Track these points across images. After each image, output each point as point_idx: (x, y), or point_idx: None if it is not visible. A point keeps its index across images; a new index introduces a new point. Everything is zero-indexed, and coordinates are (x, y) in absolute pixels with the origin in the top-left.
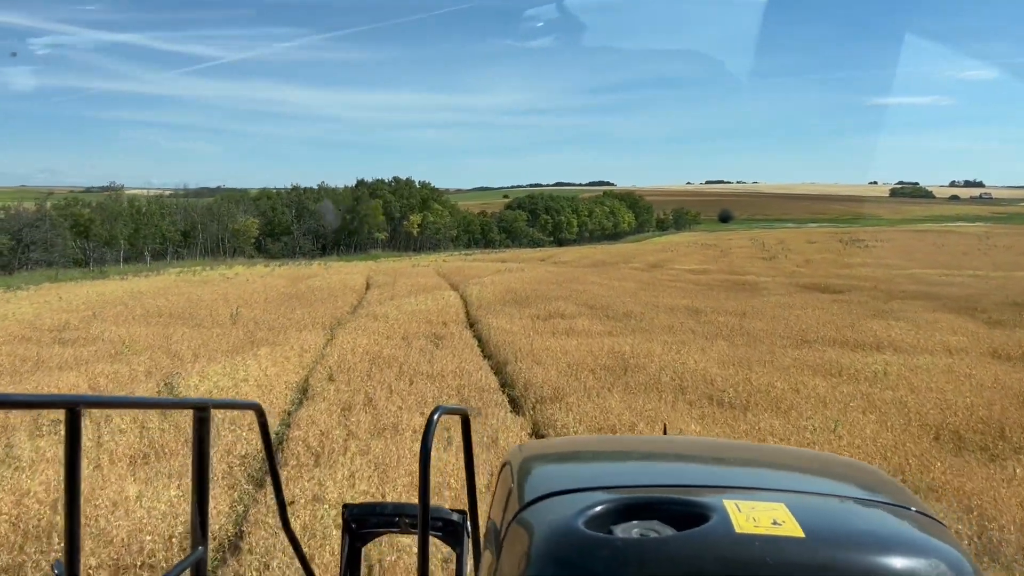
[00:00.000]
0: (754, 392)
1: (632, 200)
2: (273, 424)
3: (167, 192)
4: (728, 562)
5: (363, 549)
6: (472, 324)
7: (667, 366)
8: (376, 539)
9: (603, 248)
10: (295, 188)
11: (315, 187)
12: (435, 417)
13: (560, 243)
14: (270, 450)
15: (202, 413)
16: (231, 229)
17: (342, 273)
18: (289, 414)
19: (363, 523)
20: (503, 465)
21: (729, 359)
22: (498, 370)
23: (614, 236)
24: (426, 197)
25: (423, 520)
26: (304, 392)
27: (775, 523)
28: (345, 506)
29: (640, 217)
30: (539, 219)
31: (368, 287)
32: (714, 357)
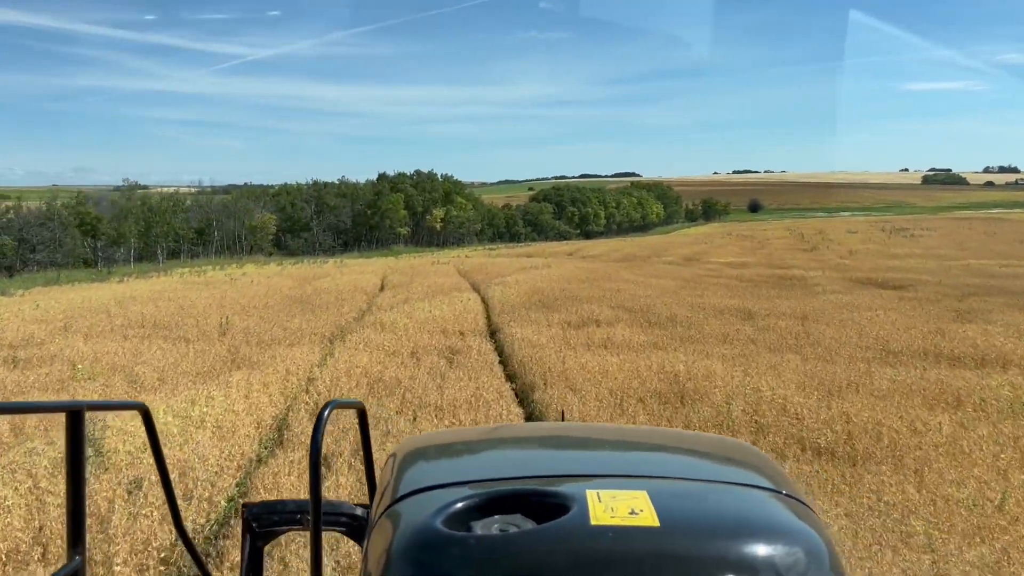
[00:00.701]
0: (858, 434)
1: (660, 191)
2: (225, 487)
3: (192, 189)
4: (580, 555)
5: (265, 548)
6: (493, 334)
7: (735, 392)
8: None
9: (632, 240)
10: (315, 183)
11: (336, 181)
12: (326, 412)
13: (587, 236)
14: (157, 449)
15: (76, 416)
16: (248, 226)
17: (355, 272)
18: (248, 474)
19: (264, 522)
20: (388, 458)
21: (808, 381)
22: (524, 398)
23: (642, 228)
24: (449, 190)
25: (315, 516)
26: (278, 437)
27: (632, 512)
28: (244, 505)
29: (668, 208)
30: (565, 211)
31: (382, 288)
32: (790, 378)
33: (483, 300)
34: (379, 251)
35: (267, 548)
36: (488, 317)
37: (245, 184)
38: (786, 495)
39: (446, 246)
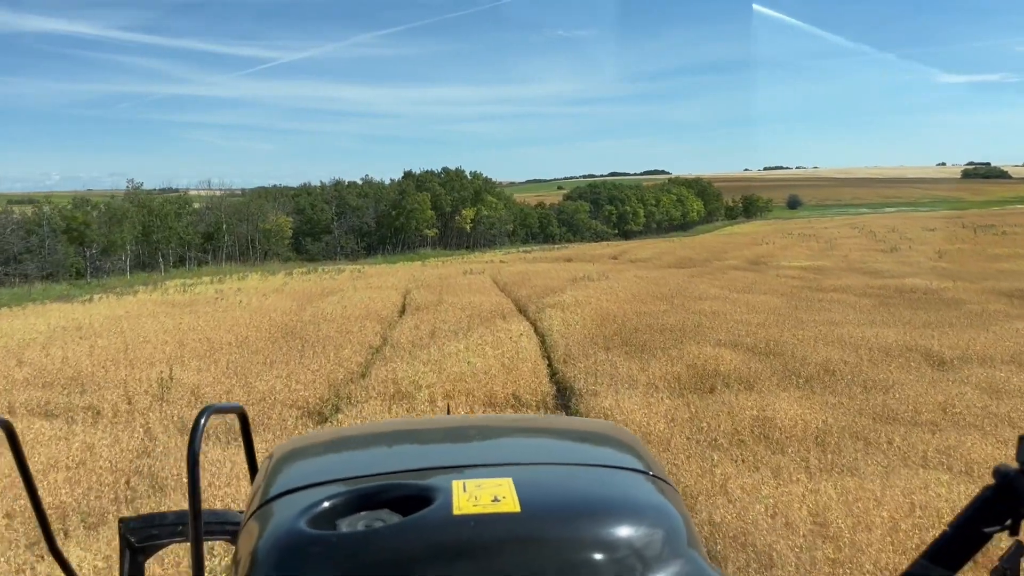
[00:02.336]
0: None
1: (700, 187)
2: None
3: (218, 192)
4: (441, 546)
5: (146, 563)
6: (567, 403)
7: None
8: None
9: (680, 241)
10: (337, 183)
11: (359, 181)
12: (202, 420)
13: (626, 236)
14: (23, 465)
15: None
16: (261, 229)
17: (373, 287)
18: None
19: (143, 536)
20: (265, 460)
21: None
22: None
23: (683, 227)
24: (479, 189)
25: (195, 527)
26: None
27: (495, 500)
28: (121, 520)
29: (709, 206)
30: (602, 210)
31: (403, 311)
32: None
33: (538, 333)
34: (405, 255)
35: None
36: (550, 365)
37: (274, 186)
38: (652, 475)
39: (476, 248)
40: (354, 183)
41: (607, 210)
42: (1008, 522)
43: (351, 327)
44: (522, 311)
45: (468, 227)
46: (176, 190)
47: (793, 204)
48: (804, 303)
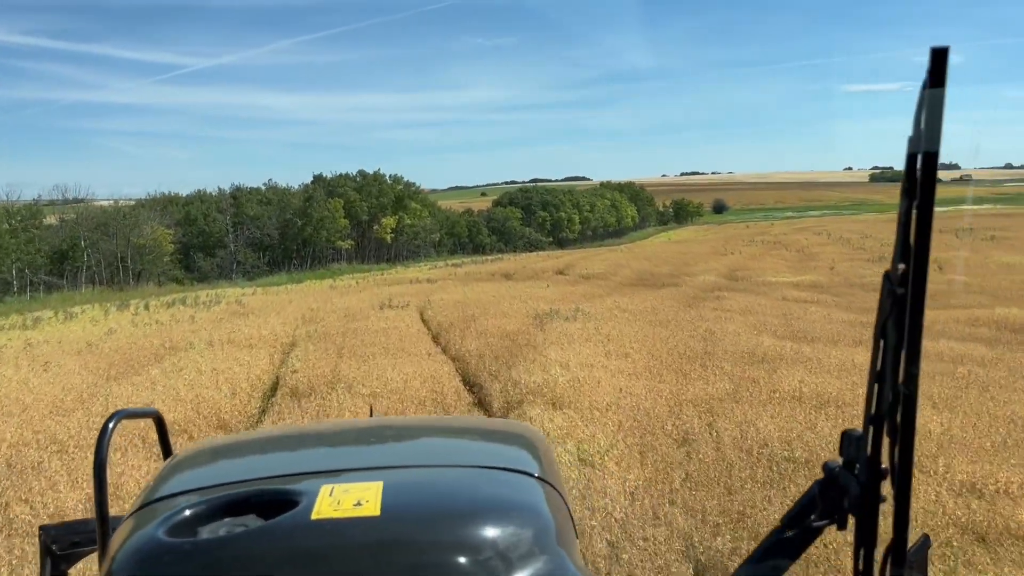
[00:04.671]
0: None
1: (632, 191)
2: None
3: (130, 202)
4: (296, 551)
5: (69, 572)
6: None
7: None
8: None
9: (627, 250)
10: (237, 188)
11: (261, 186)
12: (111, 424)
13: (560, 243)
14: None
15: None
16: (135, 245)
17: (240, 339)
18: None
19: (64, 543)
20: (167, 461)
21: None
22: None
23: (616, 233)
24: (400, 195)
25: (102, 534)
26: None
27: (357, 504)
28: (41, 528)
29: (641, 211)
30: (535, 216)
31: (273, 390)
32: None
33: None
34: (314, 271)
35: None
36: None
37: (162, 194)
38: (536, 477)
39: (398, 260)
40: (256, 189)
41: (540, 216)
42: (836, 516)
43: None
44: (475, 386)
45: (388, 237)
46: (81, 200)
47: (719, 208)
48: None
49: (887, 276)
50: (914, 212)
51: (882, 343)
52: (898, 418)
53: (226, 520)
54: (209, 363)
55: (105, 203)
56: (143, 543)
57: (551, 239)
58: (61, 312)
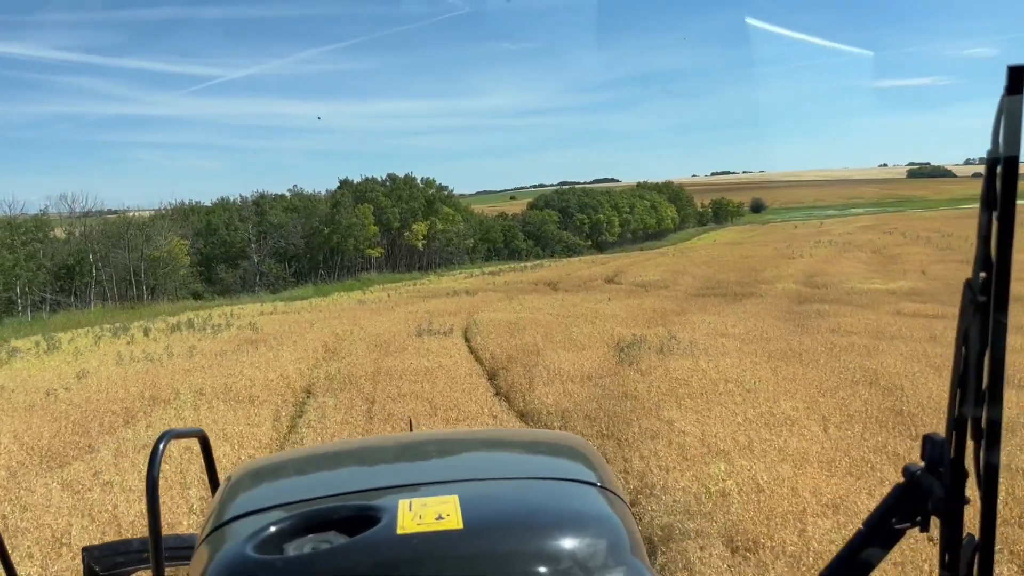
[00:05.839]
0: None
1: (671, 191)
2: None
3: (146, 213)
4: (386, 565)
5: None
6: None
7: None
8: None
9: (680, 254)
10: (260, 196)
11: (286, 193)
12: (161, 445)
13: (599, 247)
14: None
15: None
16: (149, 258)
17: (239, 387)
18: None
19: (107, 564)
20: (224, 483)
21: None
22: None
23: (657, 235)
24: (432, 199)
25: (155, 553)
26: None
27: (439, 518)
28: (84, 549)
29: (681, 211)
30: (573, 219)
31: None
32: None
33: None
34: (342, 282)
35: None
36: None
37: (181, 203)
38: (600, 487)
39: (431, 269)
40: (281, 196)
41: (579, 219)
42: (919, 519)
43: None
44: None
45: (420, 244)
46: (114, 211)
47: (757, 208)
48: None
49: (968, 284)
50: (995, 221)
51: (963, 349)
52: (983, 422)
53: (310, 536)
54: (200, 421)
55: (127, 213)
56: (233, 560)
57: (590, 243)
58: (46, 340)
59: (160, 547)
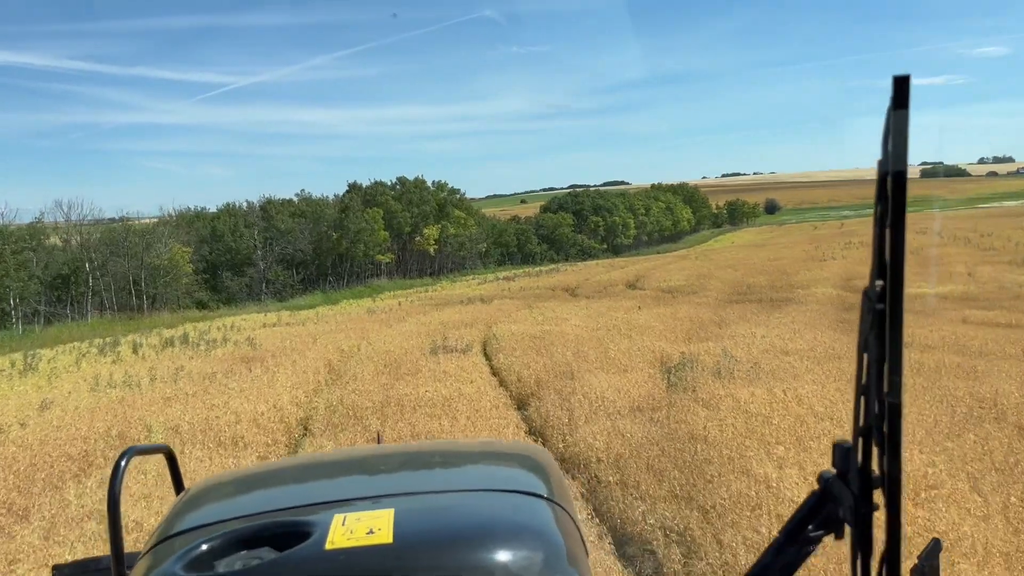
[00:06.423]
0: None
1: (686, 193)
2: None
3: (149, 220)
4: None
5: None
6: None
7: None
8: None
9: (698, 257)
10: (268, 201)
11: (294, 198)
12: (123, 462)
13: (615, 250)
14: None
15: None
16: (148, 266)
17: (232, 402)
18: None
19: None
20: (180, 496)
21: None
22: None
23: (673, 237)
24: (443, 202)
25: (117, 567)
26: None
27: (370, 532)
28: (54, 568)
29: (697, 213)
30: (588, 222)
31: None
32: None
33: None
34: (351, 289)
35: None
36: None
37: (187, 209)
38: (546, 499)
39: (443, 274)
40: (288, 201)
41: (593, 222)
42: (833, 526)
43: None
44: None
45: (432, 249)
46: (126, 218)
47: (771, 209)
48: None
49: (866, 293)
50: (887, 231)
51: (865, 357)
52: (885, 428)
53: (242, 553)
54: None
55: (129, 220)
56: None
57: (605, 246)
58: (25, 359)
59: (122, 563)
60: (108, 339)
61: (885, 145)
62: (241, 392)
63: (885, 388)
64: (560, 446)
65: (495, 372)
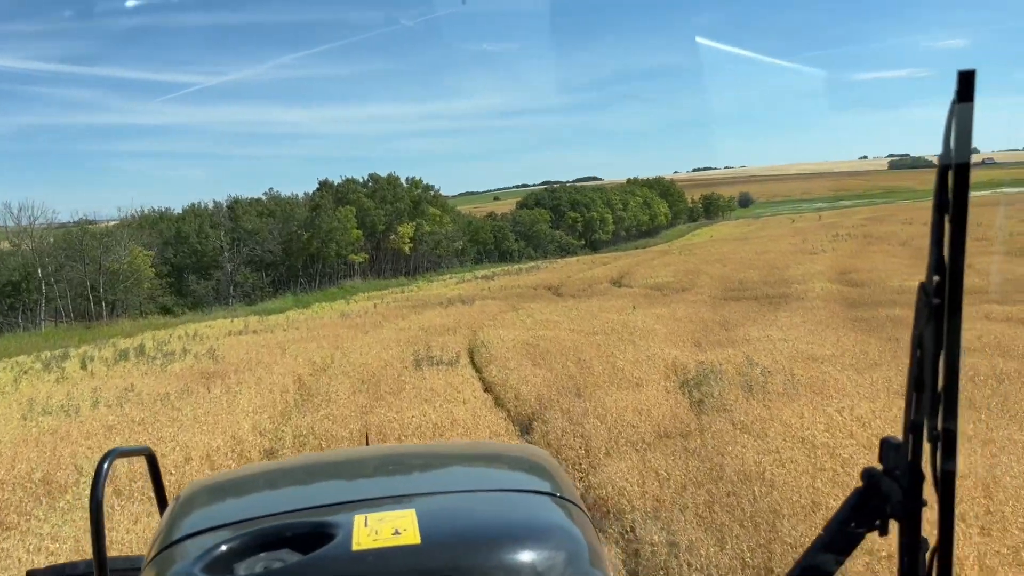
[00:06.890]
0: None
1: (662, 187)
2: None
3: (110, 223)
4: None
5: None
6: None
7: None
8: None
9: (681, 251)
10: (235, 200)
11: (262, 196)
12: (105, 464)
13: (593, 246)
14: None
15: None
16: (107, 270)
17: (183, 432)
18: None
19: None
20: (174, 500)
21: None
22: None
23: (650, 232)
24: (417, 199)
25: (100, 573)
26: None
27: (396, 533)
28: (29, 573)
29: (673, 207)
30: (565, 217)
31: None
32: None
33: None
34: (323, 291)
35: None
36: None
37: (151, 210)
38: (559, 497)
39: (418, 273)
40: (256, 200)
41: (571, 217)
42: (877, 523)
43: None
44: None
45: (406, 248)
46: (93, 221)
47: (745, 202)
48: None
49: (922, 287)
50: (947, 225)
51: (918, 352)
52: (939, 424)
53: (262, 555)
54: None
55: (89, 224)
56: None
57: (583, 242)
58: None
59: (105, 569)
60: (57, 351)
61: (947, 138)
62: (195, 421)
63: (940, 383)
64: (580, 487)
65: (488, 388)
